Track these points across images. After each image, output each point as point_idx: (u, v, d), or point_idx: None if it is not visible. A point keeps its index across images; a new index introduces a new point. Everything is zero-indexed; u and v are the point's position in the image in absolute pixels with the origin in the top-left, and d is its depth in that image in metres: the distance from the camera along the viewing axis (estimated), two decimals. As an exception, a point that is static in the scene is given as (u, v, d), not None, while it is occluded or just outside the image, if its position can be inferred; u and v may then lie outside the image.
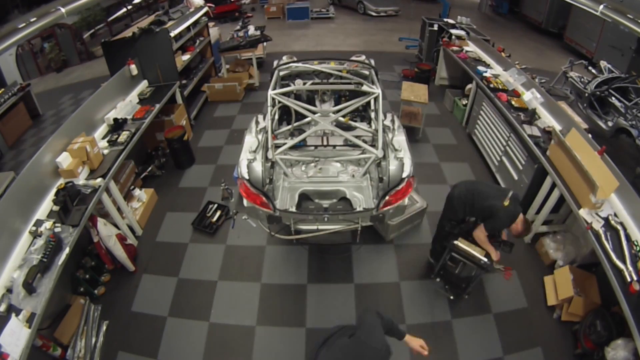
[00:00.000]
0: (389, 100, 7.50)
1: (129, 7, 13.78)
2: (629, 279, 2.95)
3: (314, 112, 3.75)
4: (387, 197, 3.29)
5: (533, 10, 12.97)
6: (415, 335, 2.51)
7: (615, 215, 3.50)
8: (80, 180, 3.88)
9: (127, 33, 5.98)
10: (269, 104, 3.74)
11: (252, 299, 3.91)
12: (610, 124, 5.99)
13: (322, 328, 3.64)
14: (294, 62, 4.67)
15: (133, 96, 5.58)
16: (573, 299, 3.59)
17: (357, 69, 4.53)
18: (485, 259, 3.34)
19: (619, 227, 3.36)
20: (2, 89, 7.52)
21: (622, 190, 3.59)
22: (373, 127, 3.87)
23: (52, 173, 3.82)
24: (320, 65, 4.47)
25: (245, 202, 3.46)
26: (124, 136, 4.61)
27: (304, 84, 4.47)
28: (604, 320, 3.29)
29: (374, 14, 13.86)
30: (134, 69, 5.50)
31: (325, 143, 3.96)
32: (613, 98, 6.07)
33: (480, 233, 3.29)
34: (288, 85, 4.52)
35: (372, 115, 3.92)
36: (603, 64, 7.10)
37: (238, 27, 8.62)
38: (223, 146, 6.34)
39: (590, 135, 4.25)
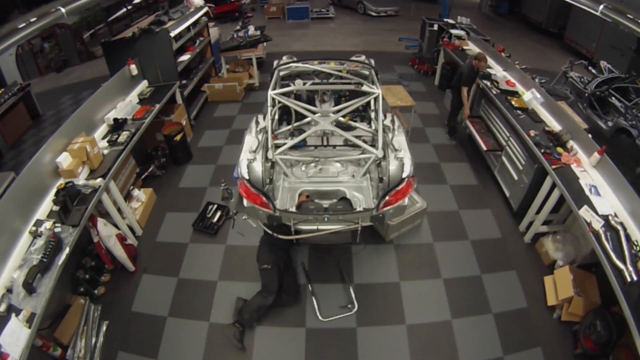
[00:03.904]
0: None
1: (129, 7, 13.77)
2: (629, 279, 2.95)
3: (314, 112, 3.75)
4: (387, 197, 3.29)
5: (533, 10, 12.97)
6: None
7: (615, 215, 3.50)
8: (80, 180, 3.88)
9: (127, 33, 5.98)
10: (269, 104, 3.74)
11: (252, 299, 3.91)
12: (610, 124, 5.99)
13: (322, 328, 3.64)
14: (294, 62, 4.67)
15: (133, 96, 5.58)
16: (573, 299, 3.59)
17: (357, 69, 4.53)
18: None
19: (619, 227, 3.36)
20: (2, 89, 7.52)
21: (622, 191, 3.60)
22: (373, 127, 3.87)
23: (52, 173, 3.82)
24: (320, 65, 4.47)
25: (245, 202, 3.46)
26: (124, 136, 4.61)
27: (304, 84, 4.47)
28: (604, 320, 3.29)
29: (374, 14, 13.86)
30: (134, 69, 5.51)
31: (325, 143, 3.96)
32: (613, 98, 6.07)
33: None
34: (288, 86, 4.52)
35: (372, 115, 3.93)
36: (603, 64, 7.09)
37: (238, 27, 8.62)
38: (223, 146, 6.34)
39: (590, 136, 4.26)
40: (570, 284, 3.66)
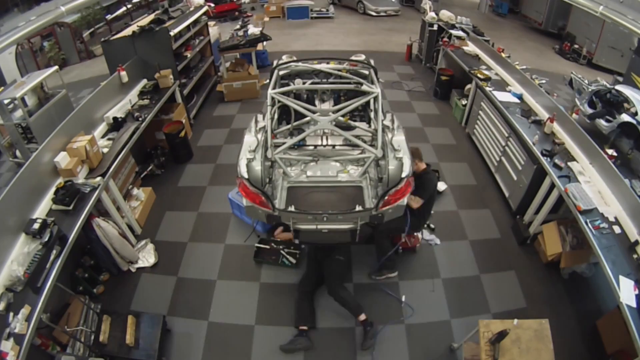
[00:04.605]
0: (389, 100, 7.51)
1: (129, 6, 13.77)
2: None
3: (313, 112, 3.75)
4: (386, 197, 3.30)
5: (533, 10, 12.98)
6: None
7: (615, 217, 3.51)
8: (80, 179, 3.87)
9: (127, 32, 5.97)
10: (268, 103, 3.74)
11: (251, 298, 3.92)
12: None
13: (320, 327, 3.64)
14: (293, 61, 4.67)
15: (133, 95, 5.57)
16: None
17: (356, 68, 4.53)
18: None
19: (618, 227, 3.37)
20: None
21: (622, 192, 3.61)
22: (372, 126, 3.88)
23: (51, 172, 3.81)
24: (320, 64, 4.47)
25: (244, 201, 3.46)
26: (123, 135, 4.60)
27: (304, 83, 4.47)
28: None
29: (373, 13, 13.86)
30: (124, 75, 5.42)
31: (324, 142, 3.96)
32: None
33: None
34: (288, 85, 4.51)
35: (372, 115, 3.93)
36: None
37: (238, 27, 8.62)
38: (222, 145, 6.34)
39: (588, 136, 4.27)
40: (558, 239, 3.67)
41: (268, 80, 4.18)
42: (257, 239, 4.48)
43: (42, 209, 3.55)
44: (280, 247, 4.33)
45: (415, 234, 4.22)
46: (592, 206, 3.56)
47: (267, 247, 4.35)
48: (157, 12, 7.01)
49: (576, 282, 4.04)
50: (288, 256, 4.24)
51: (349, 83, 4.20)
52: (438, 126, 6.81)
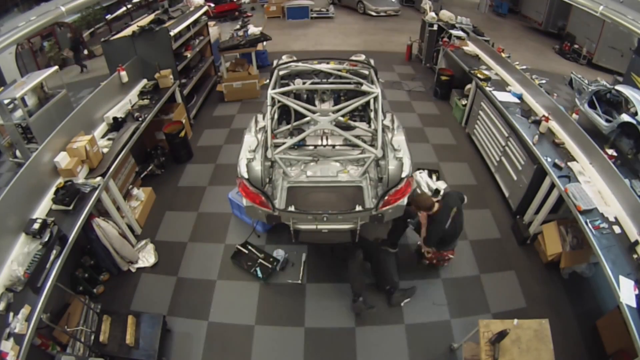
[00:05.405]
0: (389, 100, 7.51)
1: (129, 6, 13.77)
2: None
3: (313, 112, 3.76)
4: (386, 197, 3.30)
5: (532, 10, 12.98)
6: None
7: (615, 217, 3.51)
8: (80, 179, 3.87)
9: (127, 32, 5.97)
10: (268, 103, 3.74)
11: (251, 299, 3.92)
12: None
13: (320, 328, 3.64)
14: (293, 61, 4.68)
15: (133, 95, 5.57)
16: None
17: (356, 68, 4.53)
18: None
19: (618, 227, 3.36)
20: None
21: (622, 192, 3.61)
22: (372, 126, 3.88)
23: (51, 172, 3.81)
24: (320, 64, 4.47)
25: (244, 201, 3.47)
26: (123, 135, 4.60)
27: (304, 83, 4.47)
28: None
29: (373, 13, 13.86)
30: (124, 75, 5.41)
31: (324, 142, 3.96)
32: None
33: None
34: (288, 85, 4.52)
35: (372, 115, 3.93)
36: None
37: (238, 27, 8.62)
38: (222, 145, 6.34)
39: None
40: (558, 239, 3.70)
41: (268, 80, 4.19)
42: (257, 239, 4.48)
43: (42, 209, 3.55)
44: (259, 256, 4.22)
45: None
46: (592, 206, 3.56)
47: (246, 252, 4.28)
48: (157, 12, 7.01)
49: (576, 282, 4.04)
50: (261, 268, 4.10)
51: (349, 83, 4.21)
52: (438, 126, 6.81)
